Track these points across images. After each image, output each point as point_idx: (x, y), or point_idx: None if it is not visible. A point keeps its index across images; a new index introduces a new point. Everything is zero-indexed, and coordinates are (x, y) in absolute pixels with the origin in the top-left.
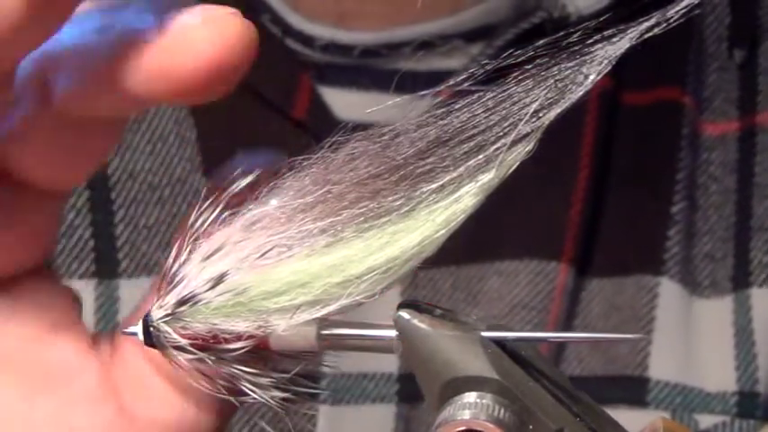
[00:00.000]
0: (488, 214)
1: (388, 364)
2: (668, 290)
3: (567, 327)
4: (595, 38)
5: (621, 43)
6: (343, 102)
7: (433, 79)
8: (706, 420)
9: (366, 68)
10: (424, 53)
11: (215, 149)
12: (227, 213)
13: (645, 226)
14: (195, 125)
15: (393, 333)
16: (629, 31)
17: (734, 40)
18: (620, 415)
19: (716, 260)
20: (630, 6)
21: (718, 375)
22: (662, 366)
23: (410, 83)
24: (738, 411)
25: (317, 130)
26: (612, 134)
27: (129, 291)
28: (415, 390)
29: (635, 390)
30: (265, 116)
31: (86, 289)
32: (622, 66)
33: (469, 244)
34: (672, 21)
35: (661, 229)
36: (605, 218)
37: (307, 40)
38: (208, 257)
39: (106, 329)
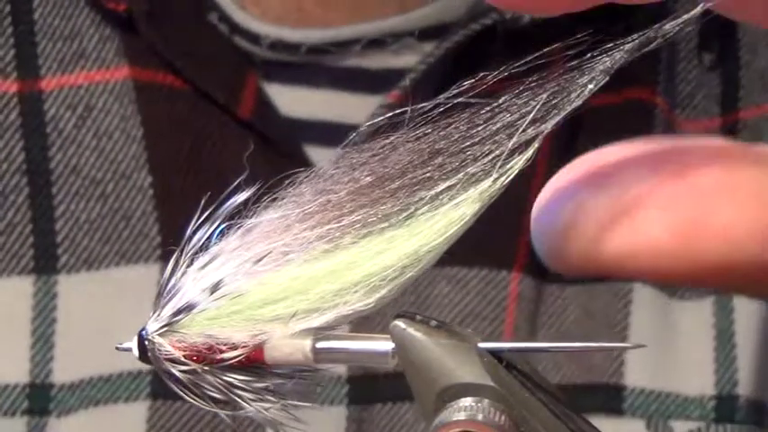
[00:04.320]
0: None
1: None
2: (642, 295)
3: (532, 335)
4: (593, 51)
5: (619, 55)
6: (291, 99)
7: (384, 77)
8: (681, 426)
9: (314, 66)
10: (374, 50)
11: (161, 148)
12: (224, 226)
13: None
14: (142, 123)
15: (389, 345)
16: (626, 45)
17: (702, 42)
18: (598, 423)
19: None
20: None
21: (697, 379)
22: (637, 373)
23: (360, 81)
24: (716, 416)
25: (263, 128)
26: (575, 137)
27: (68, 286)
28: (365, 391)
29: (611, 398)
30: (211, 114)
31: (24, 285)
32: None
33: None
34: (668, 36)
35: None
36: None
37: (254, 38)
38: (204, 266)
39: (44, 325)
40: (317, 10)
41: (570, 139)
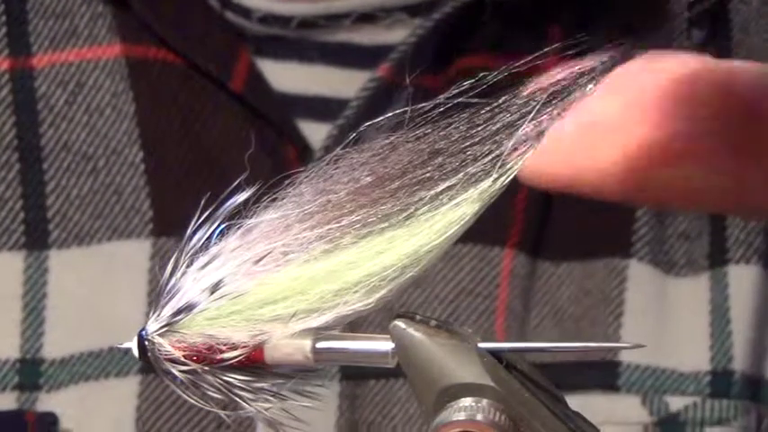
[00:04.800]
0: None
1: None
2: (638, 272)
3: (526, 313)
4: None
5: (617, 54)
6: (282, 74)
7: (375, 52)
8: (677, 402)
9: (306, 41)
10: (365, 25)
11: (153, 123)
12: (224, 226)
13: (610, 208)
14: (134, 99)
15: (389, 345)
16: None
17: (693, 18)
18: (593, 401)
19: (691, 239)
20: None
21: (692, 355)
22: (633, 349)
23: (352, 56)
24: (711, 391)
25: (255, 102)
26: None
27: (59, 261)
28: (359, 367)
29: (606, 374)
30: (204, 90)
31: (15, 261)
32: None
33: None
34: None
35: (628, 211)
36: (562, 201)
37: (245, 12)
38: (204, 266)
39: (34, 301)
40: None
41: None
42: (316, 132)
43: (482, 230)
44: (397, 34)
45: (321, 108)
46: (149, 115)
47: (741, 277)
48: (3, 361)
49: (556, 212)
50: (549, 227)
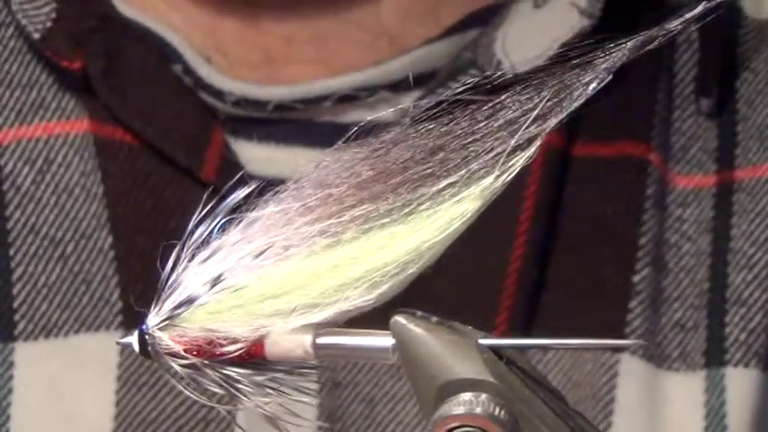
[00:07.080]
0: (417, 282)
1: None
2: (629, 368)
3: None
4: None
5: (621, 54)
6: (259, 156)
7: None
8: None
9: (284, 121)
10: (346, 105)
11: (123, 207)
12: (225, 220)
13: (602, 296)
14: (102, 180)
15: (390, 341)
16: (629, 44)
17: (700, 87)
18: None
19: (686, 329)
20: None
21: None
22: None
23: (335, 136)
24: None
25: (228, 190)
26: (562, 194)
27: (26, 354)
28: None
29: None
30: (174, 175)
31: None
32: (577, 118)
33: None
34: (671, 33)
35: (621, 300)
36: (553, 287)
37: (218, 93)
38: (205, 260)
39: None
40: (285, 63)
41: (556, 191)
42: None
43: (469, 317)
44: (379, 112)
45: None
46: (118, 198)
47: (740, 382)
48: None
49: (546, 298)
50: (538, 313)
